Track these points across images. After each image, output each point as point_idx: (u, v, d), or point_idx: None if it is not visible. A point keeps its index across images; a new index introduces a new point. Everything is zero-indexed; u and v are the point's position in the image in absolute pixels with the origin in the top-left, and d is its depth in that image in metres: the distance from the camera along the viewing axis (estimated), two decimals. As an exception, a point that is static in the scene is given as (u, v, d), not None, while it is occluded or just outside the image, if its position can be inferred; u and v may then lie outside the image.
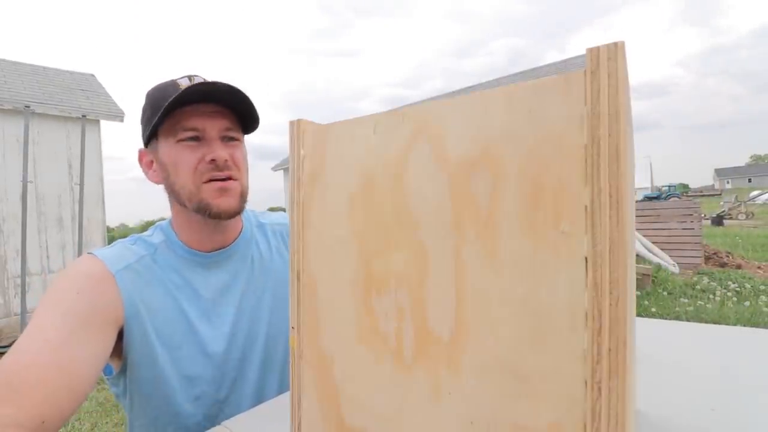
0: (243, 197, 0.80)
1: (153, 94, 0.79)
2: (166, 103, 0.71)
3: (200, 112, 0.75)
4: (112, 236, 8.45)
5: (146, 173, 0.83)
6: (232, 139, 0.80)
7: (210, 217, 0.77)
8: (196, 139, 0.76)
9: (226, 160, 0.76)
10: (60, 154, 6.27)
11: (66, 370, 0.57)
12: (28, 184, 4.52)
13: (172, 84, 0.77)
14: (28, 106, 4.46)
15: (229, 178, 0.77)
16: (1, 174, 5.74)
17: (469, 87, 14.15)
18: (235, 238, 0.87)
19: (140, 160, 0.84)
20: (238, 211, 0.79)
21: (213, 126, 0.76)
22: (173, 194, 0.80)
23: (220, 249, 0.84)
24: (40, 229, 6.00)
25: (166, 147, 0.78)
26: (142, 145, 0.84)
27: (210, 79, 0.78)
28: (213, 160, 0.75)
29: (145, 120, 0.80)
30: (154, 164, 0.81)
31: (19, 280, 5.36)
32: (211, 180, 0.76)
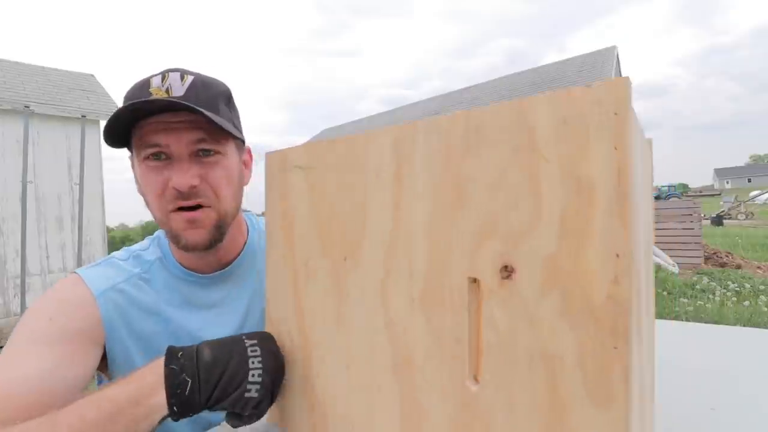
0: (220, 225, 0.69)
1: (126, 96, 0.67)
2: (120, 114, 0.62)
3: (164, 125, 0.64)
4: (112, 236, 8.45)
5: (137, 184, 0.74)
6: (209, 152, 0.67)
7: (181, 249, 0.70)
8: (160, 157, 0.65)
9: (192, 187, 0.64)
10: (60, 155, 6.26)
11: (33, 404, 0.54)
12: (28, 184, 4.51)
13: (144, 85, 0.66)
14: (28, 107, 4.45)
15: (200, 206, 0.67)
16: (0, 174, 5.73)
17: (468, 87, 14.18)
18: (238, 254, 0.79)
19: (132, 166, 0.74)
20: (212, 243, 0.69)
21: (179, 141, 0.64)
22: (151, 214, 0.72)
23: (218, 270, 0.76)
24: (39, 229, 5.99)
25: (136, 163, 0.68)
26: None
27: (193, 71, 0.69)
28: (175, 188, 0.64)
29: None
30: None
31: (18, 281, 5.35)
32: (179, 209, 0.66)
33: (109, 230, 7.75)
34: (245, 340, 0.49)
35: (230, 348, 0.47)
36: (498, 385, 0.33)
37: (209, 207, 0.68)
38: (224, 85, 0.72)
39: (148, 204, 0.70)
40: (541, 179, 0.31)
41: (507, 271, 0.32)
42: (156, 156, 0.65)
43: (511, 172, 0.32)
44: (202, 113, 0.62)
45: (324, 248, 0.47)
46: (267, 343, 0.50)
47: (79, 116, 5.87)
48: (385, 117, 16.66)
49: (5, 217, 5.76)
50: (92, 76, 7.82)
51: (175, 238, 0.68)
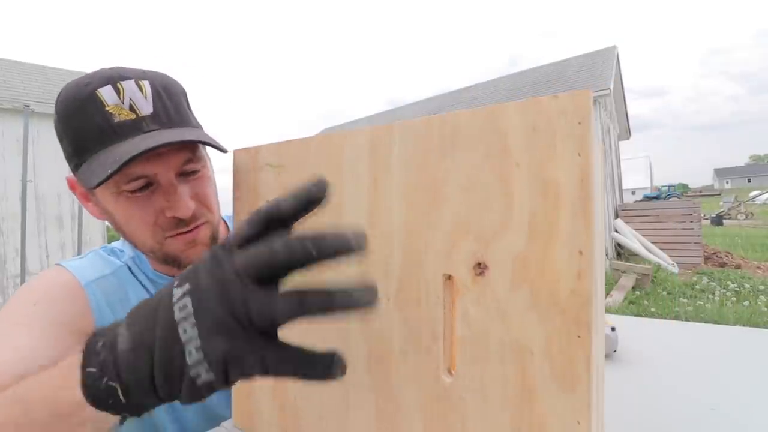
0: (215, 237, 0.66)
1: (67, 114, 0.57)
2: (107, 167, 0.52)
3: (149, 152, 0.55)
4: (112, 235, 8.46)
5: (84, 205, 0.65)
6: (194, 170, 0.62)
7: (181, 269, 0.63)
8: (146, 187, 0.58)
9: (193, 211, 0.61)
10: (60, 154, 6.23)
11: (7, 385, 0.47)
12: (28, 183, 4.52)
13: (94, 103, 0.55)
14: (28, 105, 4.46)
15: (199, 224, 0.63)
16: (0, 173, 5.75)
17: (467, 87, 14.18)
18: None
19: (72, 188, 0.65)
20: None
21: (167, 168, 0.58)
22: (128, 242, 0.66)
23: None
24: (39, 228, 6.00)
25: (107, 196, 0.59)
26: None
27: (136, 69, 0.60)
28: (175, 217, 0.59)
29: (66, 152, 0.60)
30: (92, 202, 0.64)
31: (18, 280, 5.37)
32: (176, 234, 0.62)
33: (108, 229, 7.76)
34: (173, 291, 0.30)
35: (153, 317, 0.29)
36: (471, 377, 0.35)
37: (205, 223, 0.64)
38: (179, 83, 0.65)
39: (129, 234, 0.63)
40: (512, 182, 0.32)
41: (480, 268, 0.34)
42: (141, 188, 0.58)
43: (484, 175, 0.33)
44: (196, 141, 0.57)
45: None
46: (204, 283, 0.29)
47: (80, 116, 5.88)
48: (384, 117, 16.63)
49: (5, 216, 5.77)
50: (92, 75, 7.86)
51: (173, 260, 0.64)
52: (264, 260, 0.27)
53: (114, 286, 0.67)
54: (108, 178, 0.52)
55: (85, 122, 0.55)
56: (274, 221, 0.28)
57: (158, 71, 0.63)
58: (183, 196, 0.59)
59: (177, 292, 0.29)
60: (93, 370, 0.30)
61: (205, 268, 0.29)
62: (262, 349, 0.27)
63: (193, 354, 0.28)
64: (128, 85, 0.56)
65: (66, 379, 0.32)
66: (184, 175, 0.61)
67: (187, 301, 0.28)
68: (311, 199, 0.28)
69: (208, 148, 0.66)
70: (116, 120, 0.55)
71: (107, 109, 0.55)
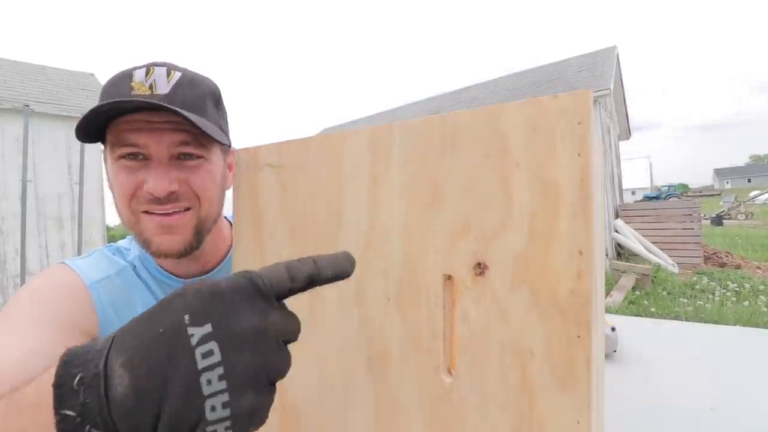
0: (199, 231, 0.64)
1: (105, 87, 0.62)
2: (98, 110, 0.56)
3: (144, 123, 0.59)
4: (112, 235, 8.46)
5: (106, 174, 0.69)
6: (191, 156, 0.62)
7: (152, 255, 0.65)
8: (136, 157, 0.60)
9: (171, 193, 0.60)
10: (60, 154, 6.28)
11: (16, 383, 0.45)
12: (28, 183, 4.53)
13: (125, 77, 0.60)
14: (28, 105, 4.46)
15: (177, 211, 0.62)
16: (0, 173, 5.75)
17: (468, 87, 14.17)
18: (221, 260, 0.74)
19: (104, 160, 0.67)
20: (188, 250, 0.64)
21: (160, 142, 0.59)
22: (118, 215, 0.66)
23: (198, 276, 0.72)
24: (39, 228, 6.00)
25: (110, 161, 0.62)
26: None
27: (181, 66, 0.63)
28: (150, 193, 0.59)
29: None
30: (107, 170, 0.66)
31: (18, 280, 5.36)
32: (151, 212, 0.62)
33: (109, 229, 7.76)
34: (189, 331, 0.25)
35: (165, 360, 0.24)
36: (471, 377, 0.34)
37: (189, 210, 0.63)
38: (213, 83, 0.67)
39: (116, 203, 0.64)
40: (512, 182, 0.32)
41: (480, 268, 0.33)
42: (132, 156, 0.60)
43: (484, 175, 0.33)
44: (187, 118, 0.56)
45: (296, 248, 0.47)
46: (238, 330, 0.25)
47: (79, 115, 5.87)
48: (384, 117, 16.60)
49: (5, 216, 5.77)
50: (92, 75, 7.85)
51: (145, 242, 0.63)
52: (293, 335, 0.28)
53: (118, 288, 0.67)
54: (82, 126, 0.57)
55: (109, 92, 0.59)
56: (313, 282, 0.30)
57: (206, 75, 0.66)
58: (163, 174, 0.60)
59: (196, 333, 0.25)
60: (70, 414, 0.25)
61: (236, 307, 0.26)
62: (271, 401, 0.27)
63: (217, 410, 0.24)
64: (159, 71, 0.60)
65: (37, 425, 0.27)
66: (182, 159, 0.62)
67: (213, 347, 0.24)
68: (343, 276, 0.31)
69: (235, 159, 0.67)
70: (132, 93, 0.58)
71: (132, 83, 0.59)
